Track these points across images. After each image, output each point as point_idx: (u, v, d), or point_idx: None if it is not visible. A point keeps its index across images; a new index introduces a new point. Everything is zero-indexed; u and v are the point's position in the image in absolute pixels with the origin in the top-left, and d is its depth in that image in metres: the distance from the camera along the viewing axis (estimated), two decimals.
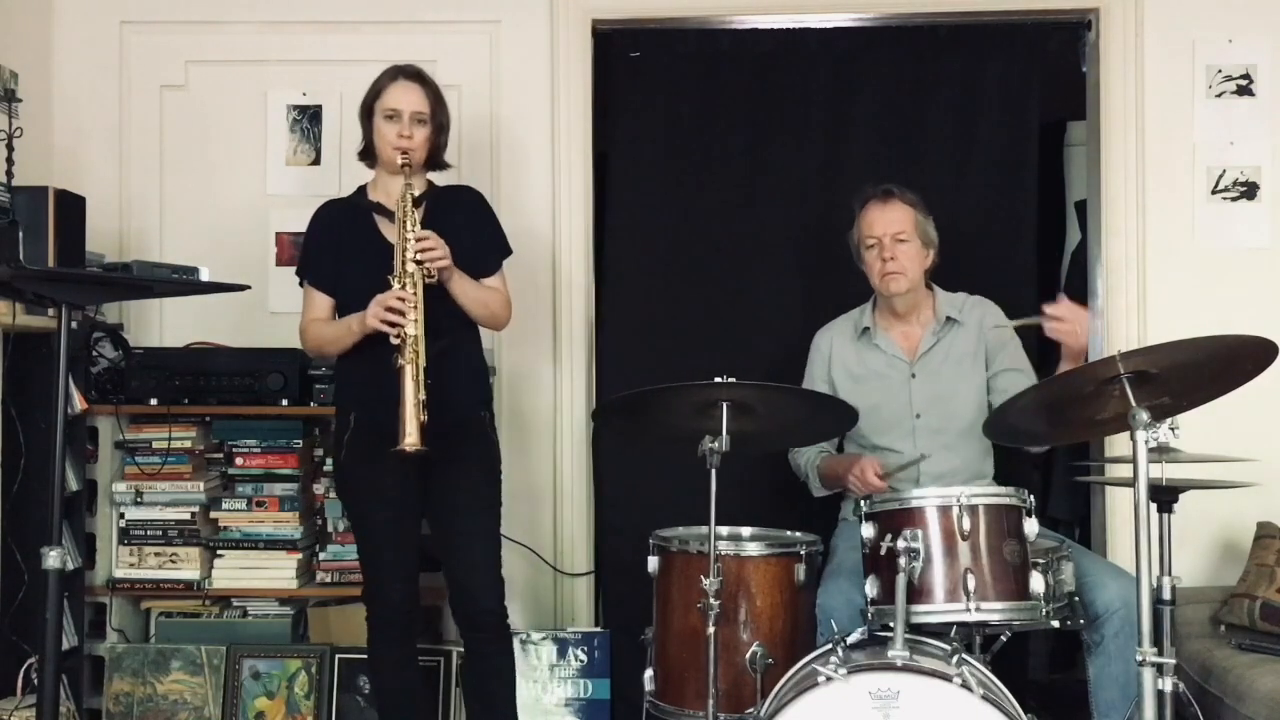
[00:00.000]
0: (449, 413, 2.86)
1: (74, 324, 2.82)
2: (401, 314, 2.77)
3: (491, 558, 3.00)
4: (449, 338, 2.93)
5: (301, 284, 3.07)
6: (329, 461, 3.64)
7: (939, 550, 2.57)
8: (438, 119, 3.00)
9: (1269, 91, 3.73)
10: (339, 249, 3.01)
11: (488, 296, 3.00)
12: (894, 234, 3.13)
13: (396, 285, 2.81)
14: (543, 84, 3.83)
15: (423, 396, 2.75)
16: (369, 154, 3.05)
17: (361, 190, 3.09)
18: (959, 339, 3.23)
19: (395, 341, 2.78)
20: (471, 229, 3.02)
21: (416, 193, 2.94)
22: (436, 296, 2.87)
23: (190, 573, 3.57)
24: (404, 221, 2.85)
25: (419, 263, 2.81)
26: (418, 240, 2.82)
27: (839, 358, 3.26)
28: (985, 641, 2.74)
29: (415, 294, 2.80)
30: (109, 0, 3.86)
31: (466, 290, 2.94)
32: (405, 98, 2.96)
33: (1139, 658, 2.32)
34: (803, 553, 2.86)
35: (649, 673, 2.93)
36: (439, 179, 3.12)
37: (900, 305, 3.21)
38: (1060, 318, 2.94)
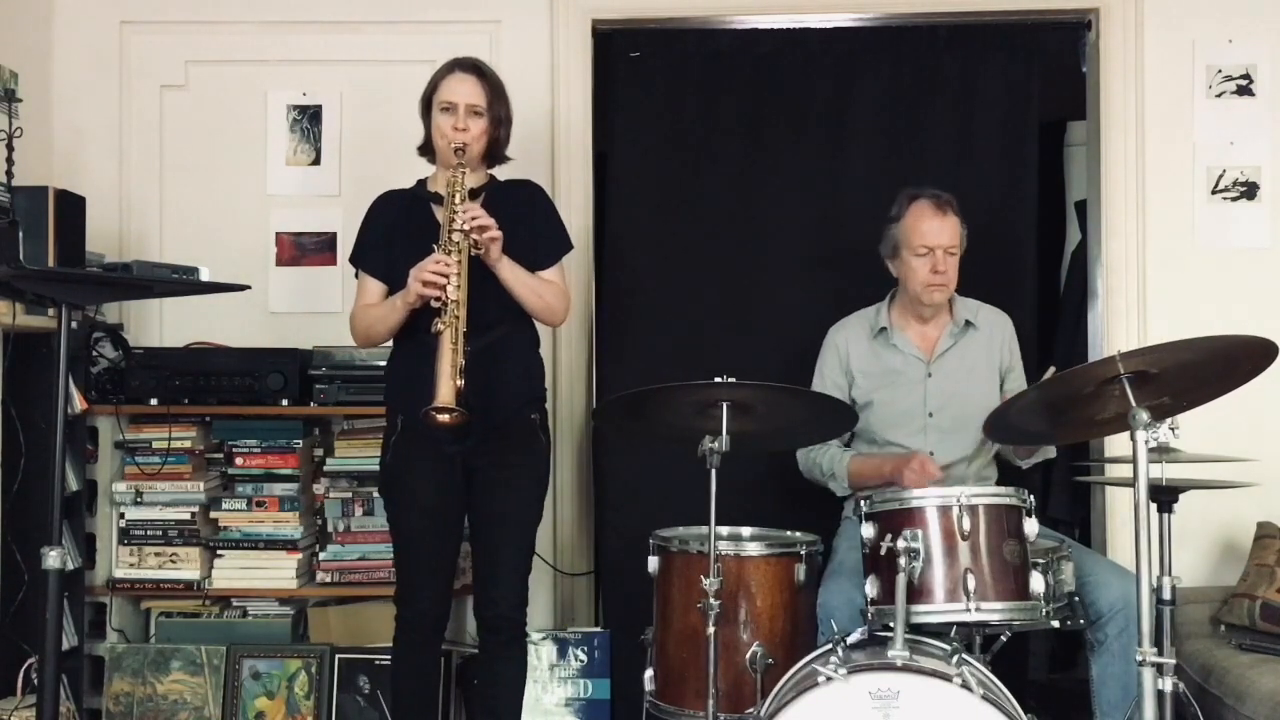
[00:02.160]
0: (498, 410, 2.84)
1: (74, 324, 2.81)
2: (443, 277, 2.74)
3: (520, 567, 3.00)
4: (500, 329, 2.91)
5: (356, 274, 3.04)
6: (329, 461, 3.65)
7: (939, 550, 2.57)
8: (495, 111, 2.95)
9: (1269, 91, 3.73)
10: (393, 236, 2.98)
11: (541, 286, 2.95)
12: (948, 247, 3.12)
13: (439, 253, 2.79)
14: (543, 84, 3.83)
15: (461, 362, 2.69)
16: (428, 149, 3.02)
17: (421, 183, 3.07)
18: (974, 343, 3.24)
19: (436, 306, 2.74)
20: (530, 222, 2.99)
21: (474, 185, 2.91)
22: (489, 287, 2.85)
23: (190, 573, 3.57)
24: (453, 195, 2.83)
25: (465, 233, 2.78)
26: (465, 211, 2.80)
27: (855, 355, 3.25)
28: (985, 641, 2.74)
29: (459, 263, 2.76)
30: (109, 0, 3.86)
31: (518, 277, 2.89)
32: (460, 90, 2.93)
33: (1139, 658, 2.32)
34: (803, 553, 2.86)
35: (649, 673, 2.93)
36: (501, 173, 3.09)
37: (929, 311, 3.21)
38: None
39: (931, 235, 3.12)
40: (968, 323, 3.24)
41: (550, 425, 3.71)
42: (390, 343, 3.03)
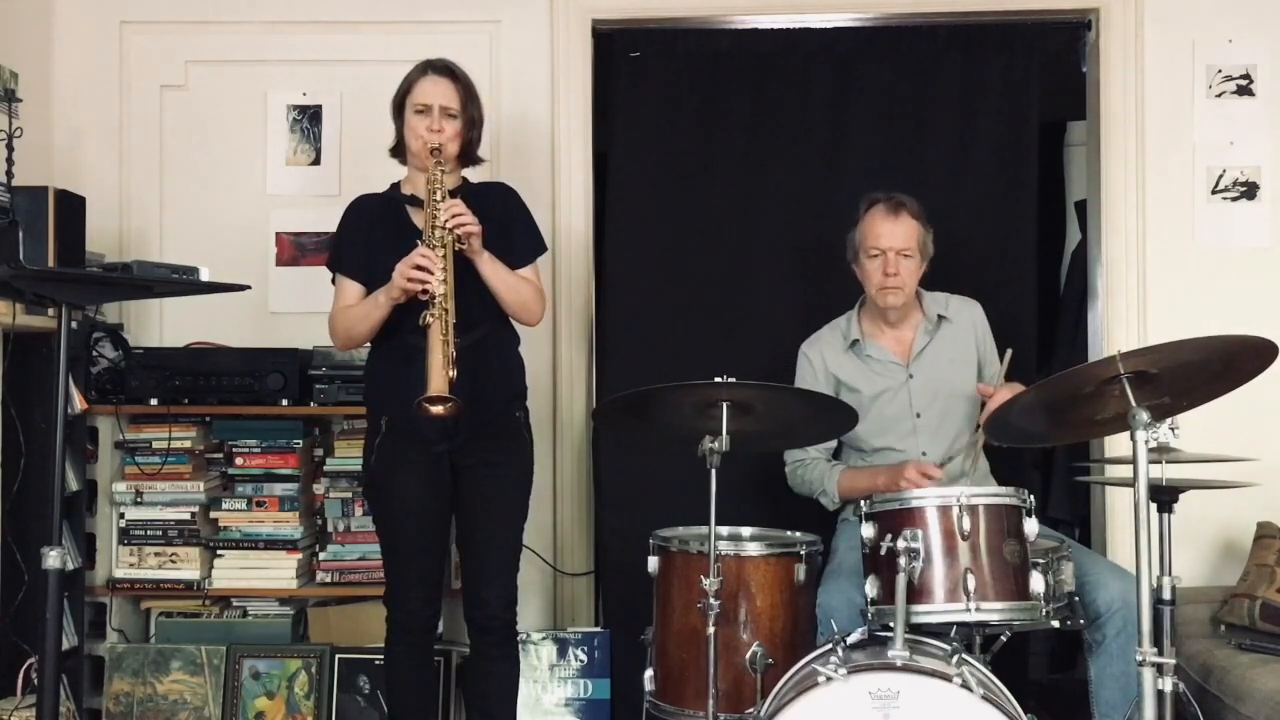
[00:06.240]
0: (482, 409, 2.85)
1: (74, 324, 2.82)
2: (428, 271, 2.74)
3: (509, 566, 3.00)
4: (482, 328, 2.91)
5: (334, 280, 3.04)
6: (329, 461, 3.65)
7: (939, 550, 2.57)
8: (469, 113, 2.97)
9: (1269, 91, 3.73)
10: (371, 239, 2.98)
11: (518, 283, 2.96)
12: (899, 249, 3.12)
13: (423, 248, 2.79)
14: (543, 84, 3.83)
15: (452, 353, 2.70)
16: (400, 150, 3.03)
17: (395, 186, 3.08)
18: (950, 336, 3.25)
19: (423, 299, 2.75)
20: (504, 223, 2.99)
21: (450, 187, 2.92)
22: (471, 286, 2.85)
23: (190, 573, 3.57)
24: (434, 191, 2.84)
25: (448, 229, 2.79)
26: (447, 207, 2.81)
27: (834, 369, 3.25)
28: (985, 641, 2.74)
29: (444, 257, 2.77)
30: (109, 0, 3.86)
31: (497, 272, 2.90)
32: (435, 91, 2.94)
33: (1139, 658, 2.31)
34: (803, 553, 2.86)
35: (649, 673, 2.93)
36: (473, 175, 3.10)
37: (894, 316, 3.22)
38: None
39: (884, 237, 3.13)
40: (940, 317, 3.25)
41: (551, 425, 3.76)
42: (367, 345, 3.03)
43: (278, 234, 3.87)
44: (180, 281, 3.35)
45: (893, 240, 3.12)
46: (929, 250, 3.20)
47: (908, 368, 3.22)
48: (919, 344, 3.23)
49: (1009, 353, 3.12)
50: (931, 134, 3.78)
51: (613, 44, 3.87)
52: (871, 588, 2.61)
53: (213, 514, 3.62)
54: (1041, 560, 2.65)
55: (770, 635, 2.79)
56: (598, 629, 3.70)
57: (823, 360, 3.26)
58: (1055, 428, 2.73)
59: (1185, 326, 2.70)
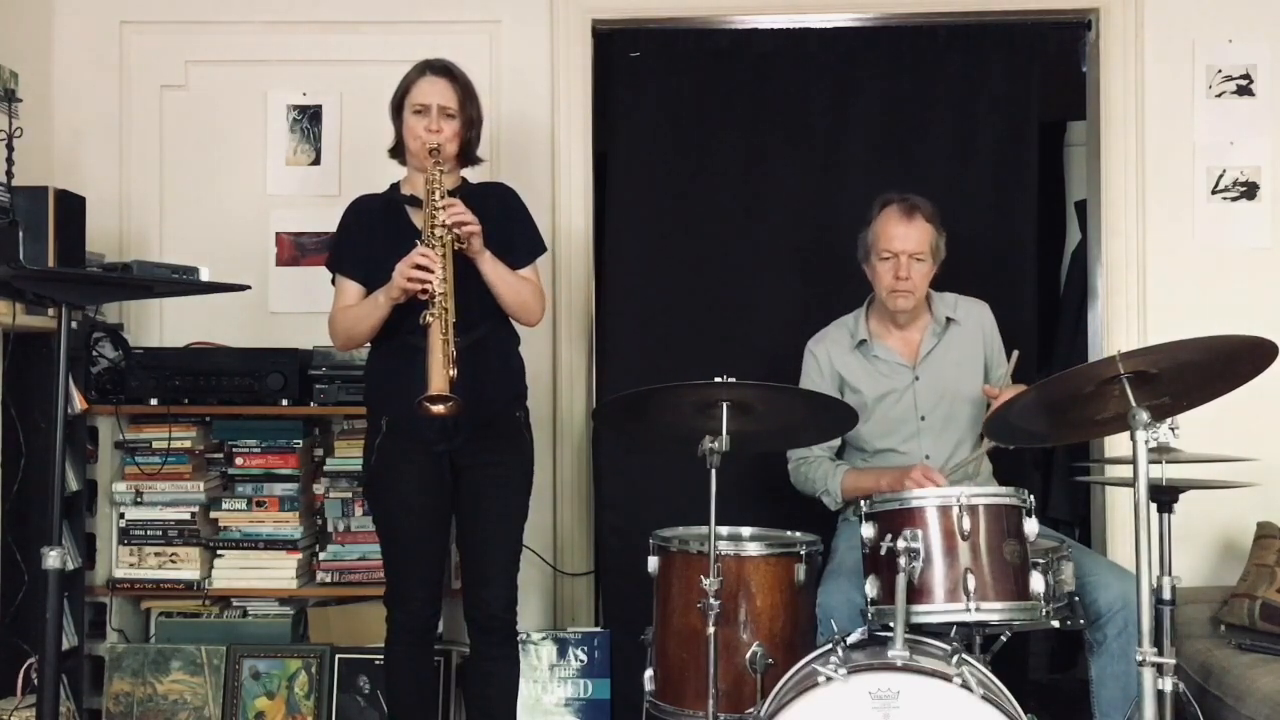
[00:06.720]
0: (482, 408, 2.85)
1: (74, 324, 2.81)
2: (428, 271, 2.74)
3: (509, 566, 3.00)
4: (482, 328, 2.91)
5: (333, 280, 3.03)
6: (329, 461, 3.65)
7: (939, 550, 2.57)
8: (467, 113, 2.97)
9: (1269, 91, 3.73)
10: (370, 239, 2.98)
11: (519, 283, 2.96)
12: (912, 253, 3.10)
13: (423, 247, 2.79)
14: (543, 84, 3.83)
15: (452, 352, 2.70)
16: (399, 151, 3.03)
17: (395, 186, 3.08)
18: (958, 338, 3.24)
19: (423, 298, 2.75)
20: (504, 223, 2.99)
21: (449, 187, 2.92)
22: (471, 287, 2.85)
23: (190, 573, 3.57)
24: (433, 191, 2.84)
25: (448, 229, 2.79)
26: (446, 206, 2.81)
27: (840, 365, 3.25)
28: (985, 641, 2.74)
29: (443, 256, 2.77)
30: (109, 0, 3.86)
31: (497, 271, 2.90)
32: (433, 91, 2.94)
33: (1139, 658, 2.31)
34: (803, 553, 2.85)
35: (649, 673, 2.93)
36: (472, 176, 3.10)
37: (902, 318, 3.21)
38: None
39: (896, 240, 3.11)
40: (949, 319, 3.24)
41: (551, 425, 3.76)
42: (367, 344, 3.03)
43: (278, 234, 3.87)
44: (180, 281, 3.36)
45: (905, 244, 3.11)
46: (941, 253, 3.18)
47: (914, 369, 3.21)
48: (926, 346, 3.22)
49: (1015, 354, 3.12)
50: (931, 134, 3.78)
51: (613, 44, 3.87)
52: (871, 588, 2.61)
53: (213, 514, 3.62)
54: (1041, 560, 2.64)
55: (770, 635, 2.79)
56: (598, 629, 3.70)
57: (829, 358, 3.26)
58: (1055, 428, 2.73)
59: (1185, 326, 2.70)
